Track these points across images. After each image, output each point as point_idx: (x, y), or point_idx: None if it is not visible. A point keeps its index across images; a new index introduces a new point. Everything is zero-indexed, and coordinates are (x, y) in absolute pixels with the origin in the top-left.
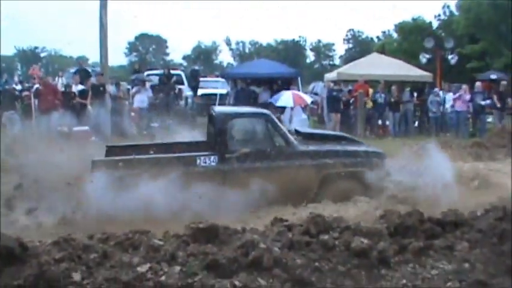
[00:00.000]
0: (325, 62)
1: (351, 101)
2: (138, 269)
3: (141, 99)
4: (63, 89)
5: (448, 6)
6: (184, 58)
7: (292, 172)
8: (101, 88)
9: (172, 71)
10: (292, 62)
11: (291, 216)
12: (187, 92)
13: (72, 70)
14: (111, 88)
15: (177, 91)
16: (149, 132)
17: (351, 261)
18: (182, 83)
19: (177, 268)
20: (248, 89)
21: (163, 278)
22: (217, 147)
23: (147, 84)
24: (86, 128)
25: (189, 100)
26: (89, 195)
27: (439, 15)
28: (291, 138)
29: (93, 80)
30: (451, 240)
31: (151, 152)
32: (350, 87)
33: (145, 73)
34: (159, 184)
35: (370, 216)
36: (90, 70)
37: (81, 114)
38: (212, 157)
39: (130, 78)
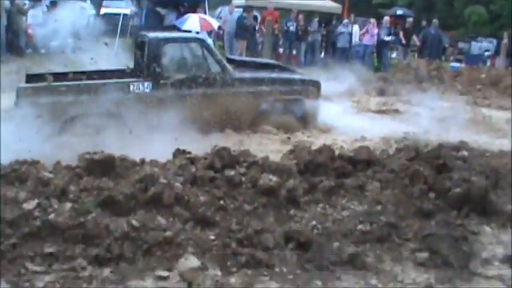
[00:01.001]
0: None
1: (256, 28)
2: (25, 205)
3: (36, 14)
4: None
5: None
6: None
7: (228, 99)
8: None
9: None
10: None
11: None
12: (90, 10)
13: None
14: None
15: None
16: (48, 51)
17: (258, 200)
18: (84, 0)
19: (68, 205)
20: (154, 10)
21: (52, 216)
22: (151, 74)
23: None
24: None
25: (91, 19)
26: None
27: None
28: (227, 65)
29: None
30: (363, 179)
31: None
32: (256, 14)
33: None
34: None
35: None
36: None
37: None
38: (146, 83)
39: None
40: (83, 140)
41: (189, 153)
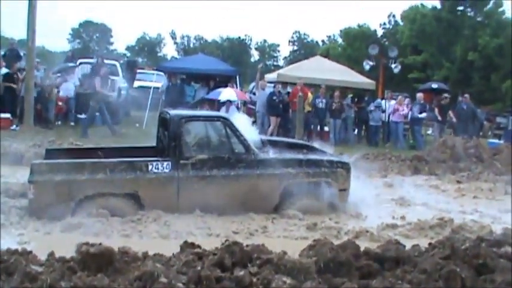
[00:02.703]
0: (269, 63)
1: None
2: None
3: (68, 87)
4: None
5: (394, 16)
6: (127, 49)
7: (252, 181)
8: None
9: (107, 61)
10: (236, 60)
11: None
12: (121, 83)
13: (2, 51)
14: (37, 74)
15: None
16: (76, 124)
17: None
18: (117, 74)
19: None
20: (181, 84)
21: None
22: (171, 153)
23: (77, 73)
24: (7, 115)
25: (123, 92)
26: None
27: (384, 24)
28: (251, 144)
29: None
30: (391, 280)
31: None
32: (289, 90)
33: (78, 61)
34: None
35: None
36: (22, 53)
37: (5, 100)
38: (165, 163)
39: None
40: (95, 223)
41: (198, 246)
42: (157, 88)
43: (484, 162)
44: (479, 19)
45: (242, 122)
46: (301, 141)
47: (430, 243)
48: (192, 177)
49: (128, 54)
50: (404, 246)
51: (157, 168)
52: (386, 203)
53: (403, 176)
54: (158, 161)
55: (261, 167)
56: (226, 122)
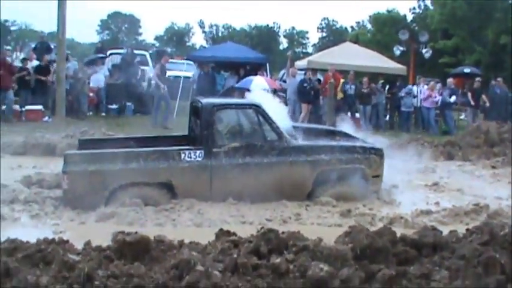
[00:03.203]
0: (299, 50)
1: (320, 92)
2: None
3: (98, 78)
4: (20, 65)
5: (424, 0)
6: (156, 39)
7: (285, 169)
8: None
9: (136, 51)
10: (265, 48)
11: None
12: (151, 73)
13: (33, 44)
14: (69, 65)
15: (139, 72)
16: (108, 115)
17: None
18: (147, 64)
19: None
20: (212, 73)
21: None
22: (203, 141)
23: (107, 64)
24: (39, 107)
25: (153, 82)
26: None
27: (414, 8)
28: (284, 132)
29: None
30: (428, 267)
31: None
32: (319, 77)
33: (108, 52)
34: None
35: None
36: (52, 46)
37: (37, 92)
38: (198, 151)
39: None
40: (129, 212)
41: (234, 234)
42: (188, 77)
43: None
44: (510, 1)
45: (274, 108)
46: (333, 128)
47: (467, 229)
48: (225, 166)
49: (157, 45)
50: (441, 232)
51: (190, 157)
52: (420, 189)
53: (436, 162)
54: (191, 149)
55: (293, 154)
56: (258, 110)
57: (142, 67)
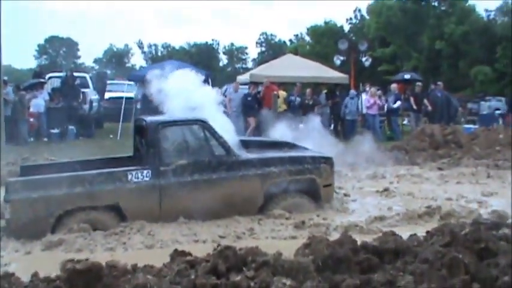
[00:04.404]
0: (239, 66)
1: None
2: None
3: (38, 103)
4: None
5: (360, 10)
6: (95, 61)
7: (235, 183)
8: None
9: (76, 74)
10: (205, 65)
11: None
12: (92, 95)
13: None
14: (7, 91)
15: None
16: (50, 139)
17: None
18: (88, 86)
19: None
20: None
21: None
22: (150, 160)
23: (46, 88)
24: None
25: (95, 104)
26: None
27: (351, 19)
28: (231, 146)
29: None
30: (392, 273)
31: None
32: (260, 90)
33: (47, 76)
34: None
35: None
36: None
37: None
38: (145, 171)
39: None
40: (77, 238)
41: (189, 254)
42: (131, 98)
43: (463, 148)
44: (443, 8)
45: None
46: (280, 140)
47: (427, 231)
48: (174, 184)
49: (96, 67)
50: (401, 236)
51: (137, 177)
52: (372, 195)
53: (384, 167)
54: (138, 169)
55: (243, 168)
56: (205, 125)
57: (83, 89)
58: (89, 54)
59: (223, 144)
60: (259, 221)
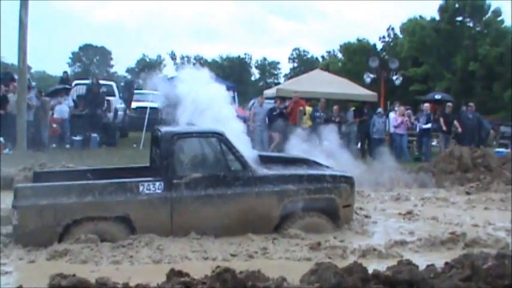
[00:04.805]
0: (270, 80)
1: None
2: None
3: (62, 109)
4: None
5: (393, 29)
6: (128, 71)
7: (250, 200)
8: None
9: (103, 81)
10: (236, 78)
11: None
12: (118, 104)
13: None
14: (31, 96)
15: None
16: (72, 146)
17: None
18: (113, 95)
19: None
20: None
21: None
22: (163, 172)
23: (72, 94)
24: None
25: (120, 112)
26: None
27: (384, 37)
28: (248, 161)
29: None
30: None
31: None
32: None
33: (74, 82)
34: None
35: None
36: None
37: None
38: (157, 183)
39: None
40: (84, 249)
41: (187, 274)
42: (155, 108)
43: (493, 172)
44: (478, 29)
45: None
46: (301, 156)
47: (446, 263)
48: (186, 198)
49: (128, 77)
50: (417, 266)
51: (149, 189)
52: (394, 218)
53: (409, 189)
54: (150, 181)
55: (259, 185)
56: (222, 138)
57: (109, 97)
58: (122, 64)
59: (239, 158)
60: (274, 240)
